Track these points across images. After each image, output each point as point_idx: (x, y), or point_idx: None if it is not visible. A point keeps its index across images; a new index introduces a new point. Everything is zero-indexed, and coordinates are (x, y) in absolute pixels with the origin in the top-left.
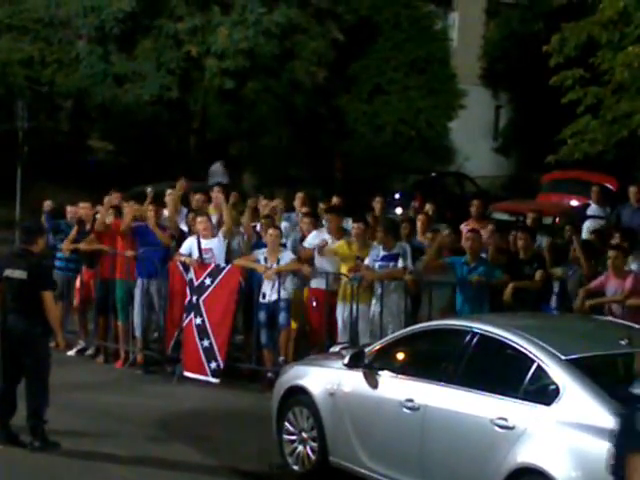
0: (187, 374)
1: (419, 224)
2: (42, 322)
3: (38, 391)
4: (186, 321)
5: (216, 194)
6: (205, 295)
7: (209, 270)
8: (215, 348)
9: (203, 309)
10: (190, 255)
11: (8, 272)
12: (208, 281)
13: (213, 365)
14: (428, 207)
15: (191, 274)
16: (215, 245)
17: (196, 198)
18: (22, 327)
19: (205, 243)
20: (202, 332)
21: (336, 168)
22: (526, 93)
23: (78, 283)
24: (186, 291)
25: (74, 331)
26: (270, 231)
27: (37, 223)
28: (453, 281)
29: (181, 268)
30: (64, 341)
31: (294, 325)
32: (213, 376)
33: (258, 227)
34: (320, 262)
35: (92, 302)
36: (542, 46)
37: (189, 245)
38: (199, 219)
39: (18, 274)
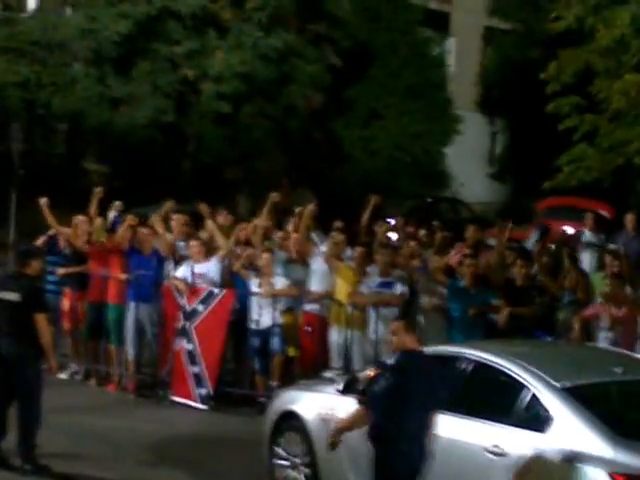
0: (175, 399)
1: (409, 250)
2: (35, 345)
3: (29, 414)
4: (177, 346)
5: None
6: (197, 321)
7: (202, 296)
8: (205, 375)
9: (194, 335)
10: (185, 279)
11: (1, 294)
12: (201, 307)
13: (202, 391)
14: (422, 233)
15: (184, 299)
16: (209, 269)
17: (175, 217)
18: (15, 350)
19: (198, 267)
20: (193, 358)
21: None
22: (522, 120)
23: (65, 305)
24: (179, 315)
25: (66, 354)
26: (264, 255)
27: (32, 245)
28: (448, 307)
29: (175, 292)
30: (57, 364)
31: (293, 352)
32: (202, 403)
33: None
34: (313, 283)
35: (81, 324)
36: (539, 73)
37: (183, 270)
38: (192, 243)
39: (11, 296)
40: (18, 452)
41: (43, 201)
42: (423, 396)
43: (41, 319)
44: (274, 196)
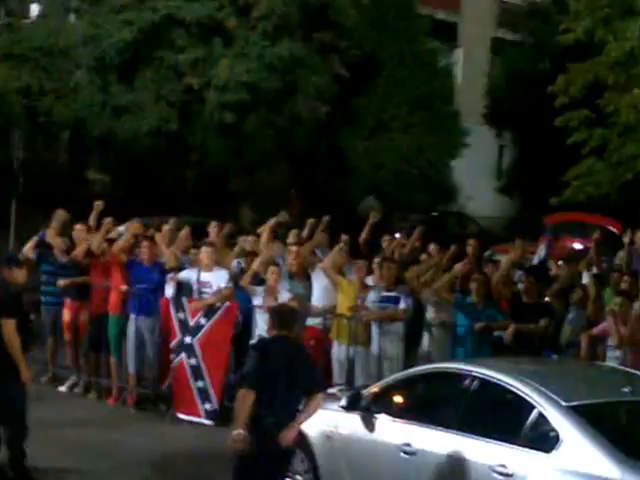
0: (180, 416)
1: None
2: (8, 354)
3: (13, 427)
4: (176, 361)
5: (212, 229)
6: (200, 335)
7: (205, 310)
8: (210, 389)
9: (198, 350)
10: (188, 283)
11: None
12: (203, 321)
13: (208, 406)
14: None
15: (183, 314)
16: (215, 278)
17: (165, 228)
18: None
19: (204, 276)
20: (196, 373)
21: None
22: (530, 133)
23: (66, 317)
24: (176, 329)
25: (66, 366)
26: (271, 269)
27: (14, 254)
28: (455, 322)
29: (171, 307)
30: (30, 374)
31: None
32: (207, 418)
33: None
34: (315, 297)
35: (81, 336)
36: (547, 86)
37: (187, 275)
38: (204, 249)
39: None
40: (9, 466)
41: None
42: (283, 374)
43: (6, 324)
44: (283, 215)
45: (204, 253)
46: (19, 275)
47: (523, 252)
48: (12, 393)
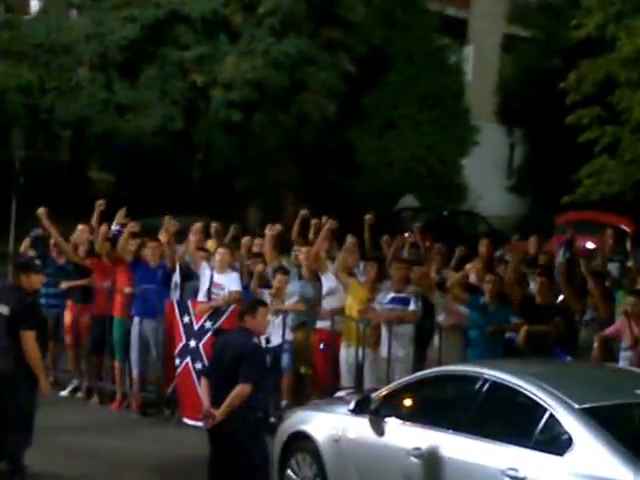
0: (187, 421)
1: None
2: (25, 363)
3: (16, 434)
4: (182, 366)
5: (216, 228)
6: (206, 339)
7: (210, 312)
8: None
9: (204, 353)
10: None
11: None
12: (209, 324)
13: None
14: (439, 247)
15: (188, 317)
16: (229, 280)
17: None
18: (6, 365)
19: (218, 277)
20: None
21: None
22: (542, 131)
23: (68, 319)
24: (181, 333)
25: (67, 370)
26: (279, 277)
27: (30, 259)
28: (466, 325)
29: (176, 310)
30: (49, 386)
31: (306, 370)
32: None
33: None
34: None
35: (84, 339)
36: (559, 83)
37: (203, 271)
38: (220, 250)
39: (1, 310)
40: (7, 472)
41: (41, 211)
42: (222, 364)
43: (26, 336)
44: (304, 213)
45: (219, 254)
46: (36, 281)
47: (535, 251)
48: (23, 401)
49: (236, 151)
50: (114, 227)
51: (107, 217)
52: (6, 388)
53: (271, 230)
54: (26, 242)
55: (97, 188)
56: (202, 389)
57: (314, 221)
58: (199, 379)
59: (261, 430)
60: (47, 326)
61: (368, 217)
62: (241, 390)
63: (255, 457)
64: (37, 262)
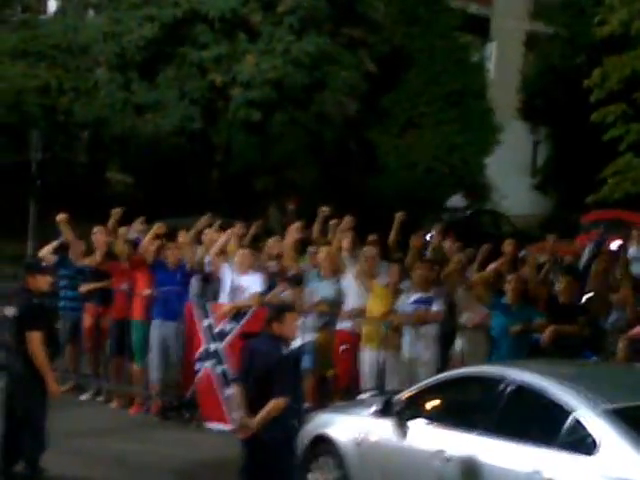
0: (210, 425)
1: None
2: (33, 364)
3: (30, 437)
4: (202, 370)
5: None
6: (227, 341)
7: (230, 315)
8: None
9: (225, 357)
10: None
11: (6, 308)
12: (230, 326)
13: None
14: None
15: (209, 320)
16: (251, 282)
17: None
18: (15, 367)
19: (239, 279)
20: (225, 380)
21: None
22: (566, 129)
23: (87, 322)
24: (201, 337)
25: (87, 374)
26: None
27: (37, 260)
28: (490, 324)
29: (195, 314)
30: (58, 388)
31: (330, 372)
32: None
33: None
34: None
35: (103, 342)
36: (583, 80)
37: (225, 272)
38: (240, 251)
39: (10, 311)
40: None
41: (61, 217)
42: (253, 372)
43: (32, 337)
44: (324, 210)
45: (239, 255)
46: (43, 282)
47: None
48: (31, 404)
49: (256, 151)
50: (131, 235)
51: (126, 218)
52: (16, 390)
53: (293, 233)
54: (52, 245)
55: (115, 189)
56: (236, 396)
57: (333, 221)
58: (220, 383)
59: (294, 436)
60: (55, 327)
61: (400, 214)
62: (276, 404)
63: (289, 464)
64: (44, 264)
